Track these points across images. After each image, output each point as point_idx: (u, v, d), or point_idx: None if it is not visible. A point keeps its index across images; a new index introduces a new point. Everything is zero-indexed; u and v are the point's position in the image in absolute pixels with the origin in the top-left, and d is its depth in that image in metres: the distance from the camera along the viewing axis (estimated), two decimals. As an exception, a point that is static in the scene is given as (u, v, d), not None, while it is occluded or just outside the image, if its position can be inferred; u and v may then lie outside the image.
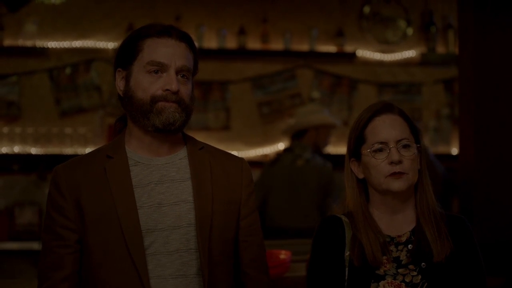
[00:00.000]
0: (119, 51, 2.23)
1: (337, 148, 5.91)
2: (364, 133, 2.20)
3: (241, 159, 2.32)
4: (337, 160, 5.97)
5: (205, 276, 2.14)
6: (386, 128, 2.18)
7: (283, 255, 3.41)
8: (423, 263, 2.16)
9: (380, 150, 2.17)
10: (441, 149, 6.17)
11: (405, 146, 2.18)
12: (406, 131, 2.20)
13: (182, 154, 2.23)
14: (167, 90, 2.14)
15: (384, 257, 2.16)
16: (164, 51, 2.16)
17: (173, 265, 2.14)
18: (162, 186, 2.17)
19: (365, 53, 6.17)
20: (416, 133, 2.23)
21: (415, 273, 2.15)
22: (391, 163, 2.15)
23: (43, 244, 2.18)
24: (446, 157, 6.11)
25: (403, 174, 2.15)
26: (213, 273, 2.16)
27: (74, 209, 2.15)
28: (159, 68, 2.15)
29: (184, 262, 2.14)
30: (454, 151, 6.12)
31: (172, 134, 2.21)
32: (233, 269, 2.25)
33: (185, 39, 2.21)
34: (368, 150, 2.18)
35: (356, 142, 2.22)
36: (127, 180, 2.16)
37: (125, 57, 2.20)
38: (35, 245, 5.14)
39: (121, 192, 2.14)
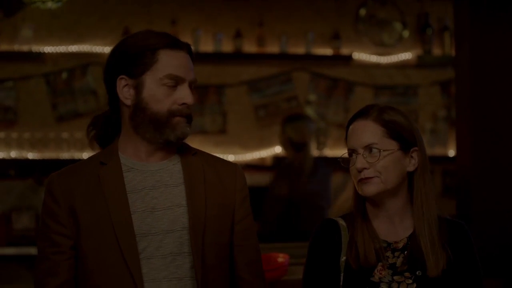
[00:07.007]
0: (121, 58, 2.20)
1: (334, 150, 5.91)
2: (346, 139, 2.24)
3: (234, 164, 2.33)
4: (335, 162, 5.98)
5: (199, 279, 2.14)
6: (355, 135, 2.19)
7: (281, 258, 3.40)
8: (418, 271, 2.14)
9: (350, 156, 2.20)
10: (438, 151, 6.17)
11: (372, 151, 2.16)
12: (376, 136, 2.16)
13: (175, 159, 2.24)
14: (183, 104, 2.16)
15: (380, 264, 2.15)
16: (179, 64, 2.17)
17: (167, 268, 2.14)
18: (156, 191, 2.18)
19: (361, 55, 6.17)
20: (399, 136, 2.18)
21: (410, 281, 2.14)
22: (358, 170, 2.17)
23: (39, 251, 2.20)
24: (443, 159, 6.12)
25: (370, 178, 2.15)
26: (206, 277, 2.16)
27: (68, 215, 2.16)
28: (176, 82, 2.16)
29: (177, 265, 2.15)
30: (451, 153, 6.11)
31: None
32: (229, 273, 2.25)
33: (189, 49, 2.23)
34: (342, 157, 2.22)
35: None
36: (120, 185, 2.17)
37: (133, 66, 2.17)
38: (33, 250, 5.13)
39: (115, 198, 2.15)
